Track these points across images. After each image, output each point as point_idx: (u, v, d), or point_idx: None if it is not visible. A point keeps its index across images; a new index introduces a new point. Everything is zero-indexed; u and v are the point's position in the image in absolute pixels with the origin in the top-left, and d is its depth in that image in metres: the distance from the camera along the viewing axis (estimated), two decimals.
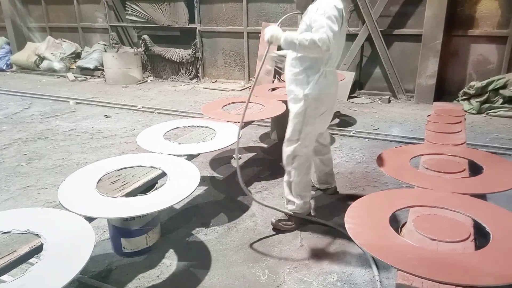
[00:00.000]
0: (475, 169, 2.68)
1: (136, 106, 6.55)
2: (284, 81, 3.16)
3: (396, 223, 2.16)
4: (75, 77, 9.07)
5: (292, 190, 2.93)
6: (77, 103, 6.90)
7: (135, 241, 2.63)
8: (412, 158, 2.82)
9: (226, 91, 7.58)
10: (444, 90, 6.64)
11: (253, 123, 4.79)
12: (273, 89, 5.00)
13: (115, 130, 5.39)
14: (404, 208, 2.15)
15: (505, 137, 4.87)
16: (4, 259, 1.73)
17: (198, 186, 2.48)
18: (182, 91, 7.89)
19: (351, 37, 6.98)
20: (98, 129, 5.42)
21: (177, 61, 8.69)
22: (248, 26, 7.91)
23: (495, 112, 5.79)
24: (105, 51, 9.00)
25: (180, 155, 2.94)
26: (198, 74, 8.75)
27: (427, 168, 2.63)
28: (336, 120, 5.72)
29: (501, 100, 5.86)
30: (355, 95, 7.15)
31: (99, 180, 2.54)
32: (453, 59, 6.50)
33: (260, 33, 7.30)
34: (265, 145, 4.80)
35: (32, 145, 4.83)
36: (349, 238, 2.65)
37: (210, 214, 3.20)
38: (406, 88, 6.84)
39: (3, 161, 4.35)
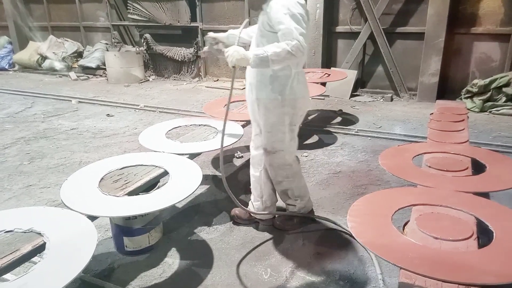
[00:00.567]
0: (478, 167, 2.67)
1: (138, 105, 6.55)
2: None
3: (398, 221, 2.15)
4: (77, 76, 9.09)
5: (289, 196, 2.85)
6: (79, 102, 6.91)
7: (138, 239, 2.63)
8: (415, 156, 2.81)
9: (228, 89, 7.57)
10: (447, 88, 6.61)
11: None
12: None
13: (117, 129, 5.40)
14: (407, 206, 2.14)
15: (508, 135, 4.85)
16: (7, 257, 1.73)
17: (200, 185, 2.48)
18: (184, 90, 7.89)
19: (353, 35, 6.97)
20: (100, 128, 5.43)
21: (179, 60, 8.69)
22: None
23: (498, 110, 5.76)
24: (107, 50, 9.01)
25: (182, 154, 2.94)
26: (200, 73, 8.75)
27: (429, 167, 2.62)
28: (339, 119, 5.71)
29: (504, 98, 5.83)
30: (357, 93, 7.14)
31: (101, 179, 2.53)
32: (456, 57, 6.48)
33: None
34: None
35: (34, 144, 4.83)
36: (351, 237, 2.67)
37: (212, 213, 3.20)
38: (409, 86, 6.82)
39: (6, 160, 4.36)
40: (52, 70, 9.54)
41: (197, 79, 8.73)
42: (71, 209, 2.14)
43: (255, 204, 2.98)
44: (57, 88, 8.08)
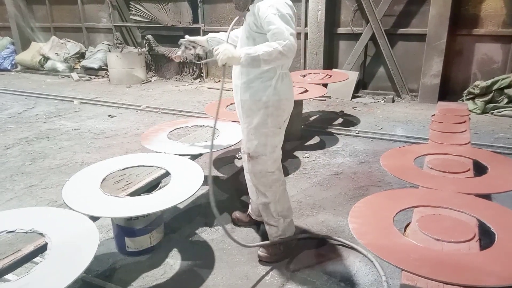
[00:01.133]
0: (479, 169, 2.67)
1: (140, 106, 6.56)
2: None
3: (400, 223, 2.15)
4: (80, 77, 9.10)
5: (272, 212, 2.59)
6: (82, 103, 6.92)
7: (139, 240, 2.63)
8: (416, 158, 2.81)
9: (230, 90, 7.56)
10: (449, 90, 6.61)
11: None
12: None
13: (119, 129, 5.41)
14: (409, 208, 2.14)
15: (510, 137, 4.84)
16: (9, 258, 1.74)
17: (201, 185, 2.49)
18: (185, 91, 7.90)
19: (355, 37, 6.97)
20: (102, 129, 5.44)
21: (181, 61, 8.69)
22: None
23: (500, 112, 5.76)
24: (109, 51, 9.02)
25: (184, 155, 2.94)
26: (202, 74, 8.76)
27: (431, 168, 2.62)
28: (340, 120, 5.71)
29: (506, 100, 5.82)
30: (358, 94, 7.13)
31: (103, 179, 2.54)
32: (458, 58, 6.47)
33: None
34: None
35: (36, 145, 4.85)
36: (351, 240, 2.67)
37: (213, 213, 3.19)
38: (410, 87, 6.82)
39: (8, 160, 4.37)
40: (54, 71, 9.56)
41: (198, 80, 8.74)
42: (73, 210, 2.15)
43: (253, 206, 2.97)
44: (59, 88, 8.10)
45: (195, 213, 3.23)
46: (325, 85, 5.76)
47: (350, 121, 5.64)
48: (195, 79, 8.76)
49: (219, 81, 8.55)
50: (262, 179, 2.54)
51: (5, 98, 7.27)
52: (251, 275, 2.47)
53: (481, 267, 1.63)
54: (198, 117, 5.56)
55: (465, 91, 6.23)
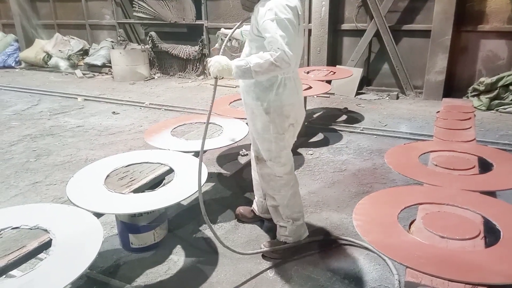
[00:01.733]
0: (485, 166, 2.65)
1: (144, 103, 6.57)
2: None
3: (404, 220, 2.14)
4: (83, 74, 9.12)
5: (281, 215, 2.56)
6: (85, 99, 6.94)
7: (143, 237, 2.64)
8: (421, 155, 2.79)
9: (233, 87, 7.57)
10: (453, 86, 6.57)
11: None
12: None
13: (123, 126, 5.42)
14: (413, 205, 2.13)
15: None
16: (13, 254, 1.75)
17: (205, 182, 2.48)
18: (189, 88, 7.90)
19: (359, 33, 6.94)
20: (106, 126, 5.45)
21: (184, 57, 8.70)
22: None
23: (505, 109, 5.72)
24: (113, 48, 9.03)
25: (188, 152, 2.94)
26: (205, 71, 8.74)
27: (436, 165, 2.60)
28: (344, 117, 5.69)
29: (511, 97, 5.78)
30: (363, 91, 7.11)
31: (107, 176, 2.55)
32: (463, 55, 6.43)
33: None
34: None
35: (40, 142, 4.86)
36: (356, 237, 2.66)
37: (217, 210, 3.21)
38: (415, 84, 6.78)
39: (12, 157, 4.39)
40: (58, 68, 9.58)
41: (202, 77, 8.73)
42: (77, 206, 2.15)
43: (258, 203, 2.96)
44: (63, 85, 8.12)
45: (199, 210, 3.19)
46: (329, 82, 5.73)
47: (354, 118, 5.62)
48: (198, 76, 8.75)
49: (222, 78, 8.53)
50: (271, 182, 2.51)
51: (10, 95, 7.30)
52: (255, 271, 2.47)
53: (486, 265, 1.62)
54: (201, 114, 5.55)
55: (470, 88, 6.19)
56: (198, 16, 8.35)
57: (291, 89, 2.33)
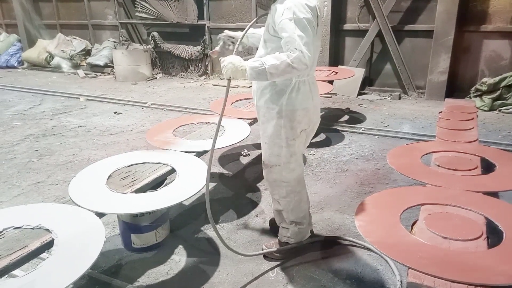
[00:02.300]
0: (487, 166, 2.65)
1: (146, 103, 6.57)
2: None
3: (407, 221, 2.14)
4: (86, 74, 9.14)
5: (284, 219, 2.53)
6: (88, 99, 6.95)
7: (145, 237, 2.64)
8: (424, 155, 2.79)
9: (235, 87, 7.57)
10: (456, 87, 6.55)
11: None
12: None
13: (125, 126, 5.42)
14: (416, 205, 2.12)
15: None
16: (16, 254, 1.75)
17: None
18: (191, 88, 7.90)
19: (361, 33, 6.93)
20: (108, 126, 5.46)
21: (186, 58, 8.70)
22: (257, 23, 7.88)
23: (508, 109, 5.70)
24: (115, 48, 9.05)
25: (189, 152, 2.94)
26: (207, 71, 8.76)
27: (438, 166, 2.60)
28: (346, 117, 5.68)
29: None
30: (365, 91, 7.10)
31: (109, 176, 2.55)
32: (465, 55, 6.41)
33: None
34: None
35: (43, 141, 4.87)
36: (358, 237, 2.65)
37: (219, 210, 3.21)
38: (417, 84, 6.77)
39: (15, 157, 4.40)
40: (60, 68, 9.61)
41: (204, 77, 8.73)
42: (79, 206, 2.16)
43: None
44: (66, 86, 8.14)
45: (201, 210, 3.23)
46: (331, 82, 5.73)
47: (356, 118, 5.61)
48: (200, 76, 8.76)
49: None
50: (277, 188, 2.45)
51: (12, 95, 7.32)
52: (256, 272, 2.46)
53: (489, 266, 1.62)
54: (203, 114, 5.56)
55: (473, 88, 6.17)
56: (200, 16, 8.36)
57: (305, 94, 2.25)
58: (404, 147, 3.06)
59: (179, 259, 2.62)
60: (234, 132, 3.34)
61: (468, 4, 6.18)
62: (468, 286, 1.54)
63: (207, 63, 8.68)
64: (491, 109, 5.81)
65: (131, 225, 2.61)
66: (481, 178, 2.45)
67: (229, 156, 4.31)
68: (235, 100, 4.45)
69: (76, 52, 9.64)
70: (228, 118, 3.67)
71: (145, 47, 8.93)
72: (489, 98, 5.85)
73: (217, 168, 4.04)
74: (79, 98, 7.00)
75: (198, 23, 8.37)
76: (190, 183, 2.45)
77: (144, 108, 6.40)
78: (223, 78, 2.20)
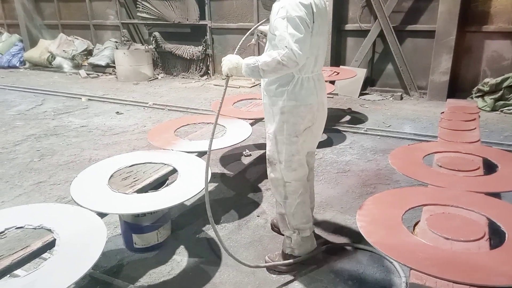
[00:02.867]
0: (489, 167, 2.64)
1: (147, 103, 6.58)
2: None
3: (409, 221, 2.13)
4: (87, 74, 9.15)
5: (287, 224, 2.46)
6: (89, 99, 6.96)
7: (146, 237, 2.64)
8: (425, 156, 2.78)
9: (236, 88, 7.57)
10: (458, 87, 6.54)
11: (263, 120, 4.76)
12: None
13: (127, 126, 5.43)
14: (418, 206, 2.12)
15: None
16: (18, 253, 1.75)
17: (208, 182, 2.48)
18: (192, 88, 7.91)
19: (363, 33, 6.92)
20: (110, 126, 5.46)
21: (188, 58, 8.71)
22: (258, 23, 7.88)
23: (510, 110, 5.69)
24: (117, 48, 9.06)
25: (191, 152, 2.94)
26: (209, 71, 8.76)
27: (440, 166, 2.59)
28: (348, 117, 5.68)
29: None
30: (366, 92, 7.09)
31: (111, 176, 2.55)
32: (467, 55, 6.40)
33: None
34: None
35: (44, 141, 4.88)
36: (360, 238, 2.65)
37: (220, 211, 3.21)
38: (419, 84, 6.76)
39: (17, 157, 4.40)
40: (62, 68, 9.63)
41: (205, 77, 8.74)
42: (81, 206, 2.16)
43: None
44: (67, 86, 8.15)
45: (202, 210, 3.21)
46: (332, 82, 5.73)
47: (357, 119, 5.61)
48: (201, 76, 8.76)
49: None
50: (279, 188, 2.42)
51: (14, 95, 7.33)
52: (258, 272, 2.46)
53: (491, 267, 1.61)
54: (205, 114, 5.56)
55: (475, 89, 6.17)
56: (202, 16, 8.36)
57: (309, 90, 2.25)
58: (406, 148, 3.06)
59: (180, 259, 2.62)
60: (236, 132, 3.34)
61: (470, 5, 6.16)
62: (470, 287, 1.53)
63: (208, 63, 8.68)
64: (493, 109, 5.80)
65: (133, 225, 2.62)
66: (483, 178, 2.45)
67: (231, 156, 4.31)
68: (237, 100, 4.45)
69: (78, 52, 9.65)
70: (229, 118, 3.67)
71: (146, 47, 8.94)
72: (491, 99, 5.84)
73: (218, 168, 4.04)
74: (80, 98, 7.00)
75: (200, 23, 8.37)
76: (191, 183, 2.45)
77: (146, 108, 6.40)
78: (224, 78, 2.27)
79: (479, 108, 5.04)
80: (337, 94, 6.86)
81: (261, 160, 4.29)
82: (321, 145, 4.60)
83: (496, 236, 1.89)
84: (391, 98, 6.72)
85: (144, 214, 2.54)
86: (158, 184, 2.58)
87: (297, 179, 2.38)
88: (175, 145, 3.07)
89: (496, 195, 2.30)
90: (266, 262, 2.50)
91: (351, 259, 2.57)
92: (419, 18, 6.53)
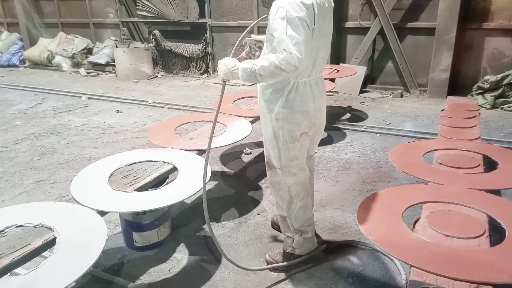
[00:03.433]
0: (489, 164, 2.64)
1: (147, 101, 6.57)
2: None
3: (409, 219, 2.13)
4: (87, 73, 9.15)
5: (288, 226, 2.42)
6: (89, 98, 6.96)
7: (147, 235, 2.64)
8: (426, 153, 2.78)
9: (236, 86, 7.56)
10: (458, 84, 6.53)
11: None
12: None
13: (127, 125, 5.43)
14: (418, 203, 2.12)
15: None
16: (18, 252, 1.75)
17: (208, 180, 2.48)
18: (192, 86, 7.90)
19: (363, 31, 6.91)
20: (110, 124, 5.46)
21: (188, 56, 8.69)
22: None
23: (510, 107, 5.68)
24: (116, 47, 9.05)
25: (191, 150, 2.94)
26: (209, 69, 8.75)
27: (441, 164, 2.59)
28: (348, 115, 5.67)
29: None
30: (366, 89, 7.08)
31: (111, 174, 2.55)
32: (467, 52, 6.39)
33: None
34: None
35: (45, 140, 4.88)
36: (361, 236, 2.65)
37: (220, 209, 3.21)
38: (419, 82, 6.75)
39: (17, 155, 4.40)
40: (62, 67, 9.62)
41: (205, 75, 8.73)
42: (81, 204, 2.16)
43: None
44: (67, 84, 8.14)
45: (202, 209, 3.22)
46: (332, 80, 5.72)
47: (358, 116, 5.60)
48: (201, 74, 8.75)
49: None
50: (280, 191, 2.36)
51: (14, 94, 7.32)
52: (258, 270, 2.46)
53: (491, 264, 1.61)
54: (205, 112, 5.56)
55: (475, 86, 6.16)
56: (202, 14, 8.35)
57: (305, 96, 2.13)
58: (406, 145, 3.06)
59: (181, 257, 2.62)
60: (236, 131, 3.34)
61: (470, 2, 6.15)
62: (471, 284, 1.53)
63: (208, 61, 8.67)
64: (494, 106, 5.79)
65: (133, 223, 2.62)
66: (484, 176, 2.44)
67: (231, 154, 4.31)
68: (237, 99, 4.44)
69: (78, 51, 9.64)
70: (229, 116, 3.67)
71: (146, 45, 8.93)
72: (491, 96, 5.83)
73: (218, 167, 4.04)
74: (80, 97, 7.00)
75: (200, 21, 8.36)
76: (191, 181, 2.45)
77: (146, 106, 6.40)
78: (220, 83, 2.17)
79: (480, 106, 5.04)
80: (337, 92, 6.85)
81: (261, 158, 4.27)
82: (321, 143, 4.57)
83: (496, 233, 1.89)
84: (391, 96, 6.71)
85: (144, 212, 2.54)
86: (158, 182, 2.58)
87: (298, 183, 2.32)
88: (175, 144, 3.07)
89: (497, 192, 2.30)
90: (266, 261, 2.50)
91: (351, 257, 2.57)
92: (419, 15, 6.52)
